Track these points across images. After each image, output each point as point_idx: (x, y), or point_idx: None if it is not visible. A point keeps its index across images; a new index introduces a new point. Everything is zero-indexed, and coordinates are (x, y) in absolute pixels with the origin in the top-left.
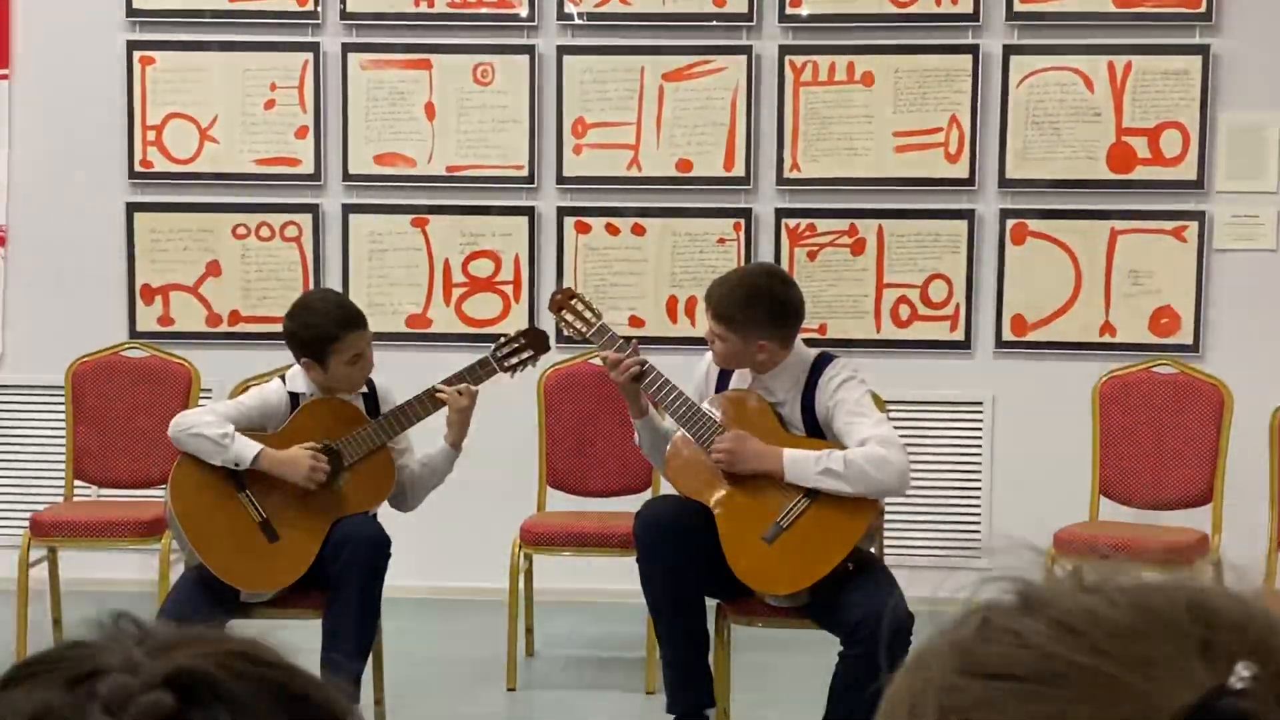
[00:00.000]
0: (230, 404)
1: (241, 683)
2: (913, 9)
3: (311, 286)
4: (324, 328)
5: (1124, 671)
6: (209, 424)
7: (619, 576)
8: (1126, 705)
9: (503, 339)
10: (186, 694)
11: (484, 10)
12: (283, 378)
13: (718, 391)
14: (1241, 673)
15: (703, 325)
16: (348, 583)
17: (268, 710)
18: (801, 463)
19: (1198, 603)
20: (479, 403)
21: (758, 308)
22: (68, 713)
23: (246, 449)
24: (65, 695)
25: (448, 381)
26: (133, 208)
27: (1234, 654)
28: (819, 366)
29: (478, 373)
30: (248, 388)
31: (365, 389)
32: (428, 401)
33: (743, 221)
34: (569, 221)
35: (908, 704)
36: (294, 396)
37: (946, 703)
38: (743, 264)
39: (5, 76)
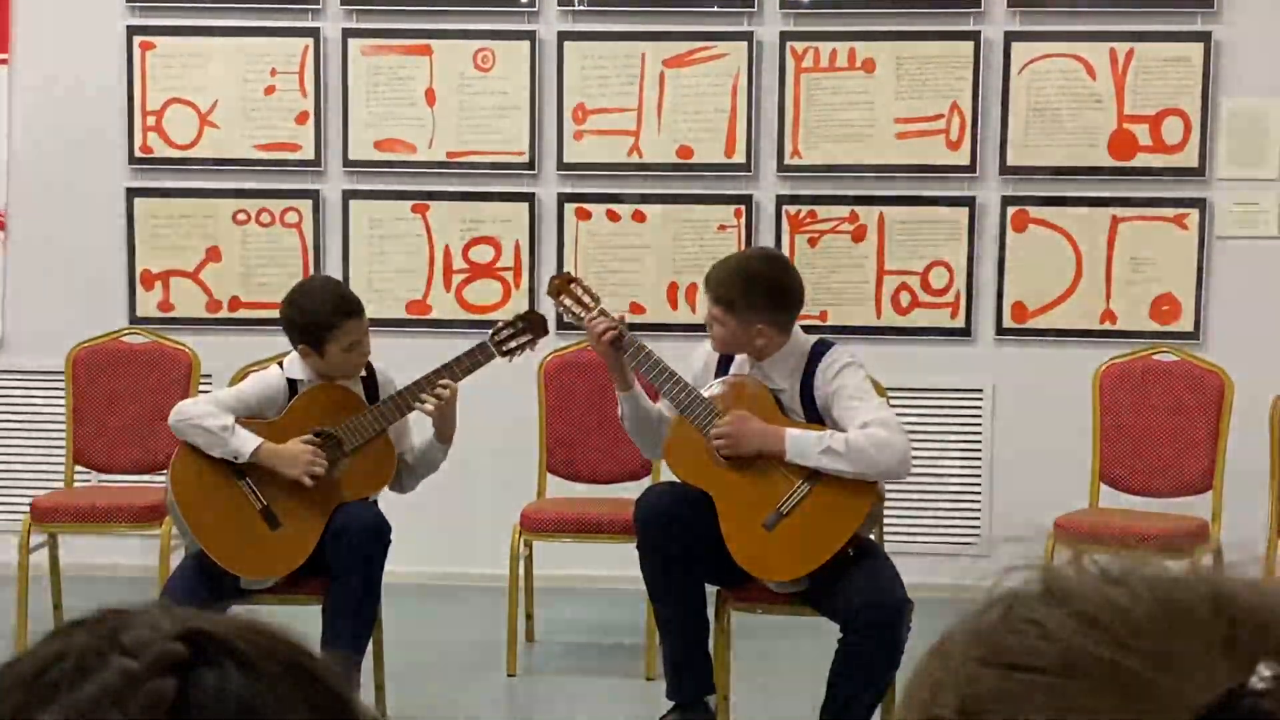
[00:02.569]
0: (230, 393)
1: (254, 649)
2: None
3: (312, 272)
4: (320, 315)
5: (1145, 667)
6: (209, 415)
7: (619, 563)
8: (1147, 701)
9: (500, 323)
10: (200, 649)
11: None
12: (280, 364)
13: (717, 378)
14: (1263, 672)
15: (703, 311)
16: (348, 569)
17: (277, 678)
18: (803, 442)
19: (1222, 597)
20: (481, 387)
21: (756, 291)
22: (90, 652)
23: (246, 442)
24: (90, 640)
25: (445, 366)
26: (133, 193)
27: (1257, 652)
28: (817, 353)
29: (476, 357)
30: (247, 374)
31: (365, 374)
32: (419, 392)
33: (743, 208)
34: (569, 208)
35: (929, 691)
36: (292, 383)
37: (967, 692)
38: (742, 249)
39: (5, 61)
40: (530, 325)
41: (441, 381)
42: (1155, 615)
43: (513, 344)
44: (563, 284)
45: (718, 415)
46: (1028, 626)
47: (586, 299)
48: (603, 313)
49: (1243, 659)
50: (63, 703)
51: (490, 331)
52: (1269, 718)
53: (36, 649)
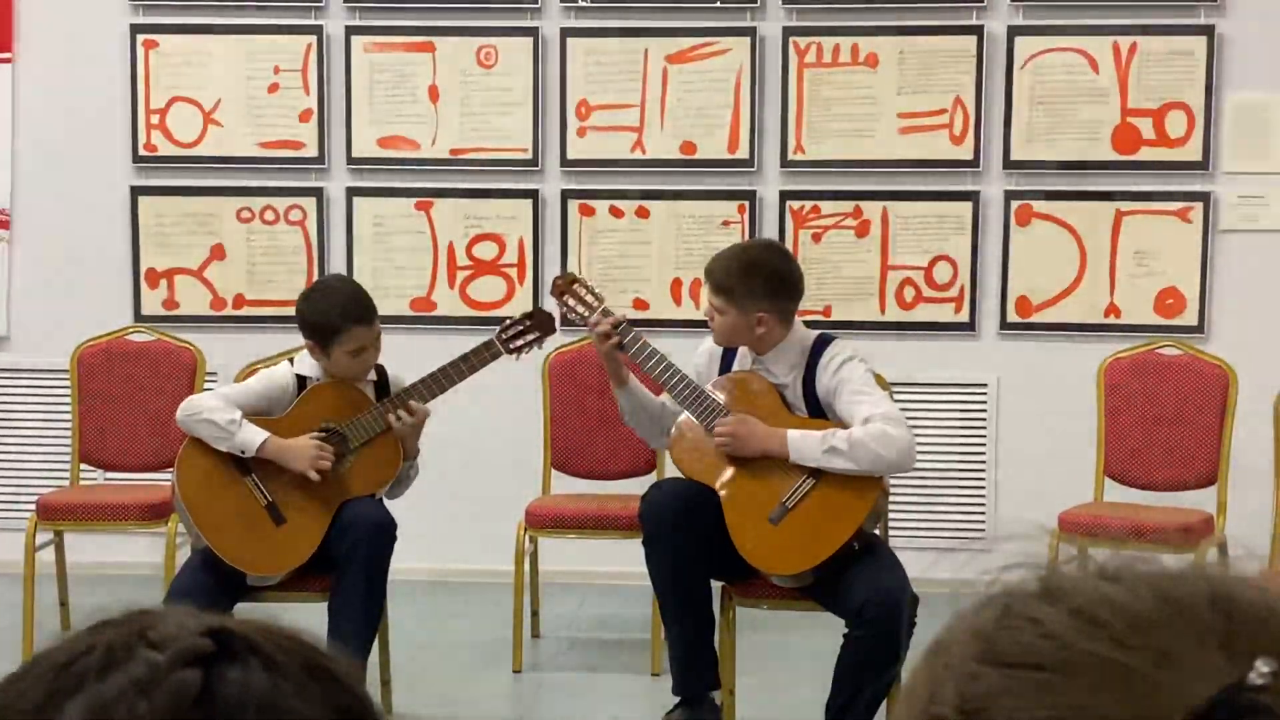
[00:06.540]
0: (238, 388)
1: (276, 648)
2: None
3: (315, 270)
4: (330, 316)
5: (1142, 664)
6: (217, 409)
7: (624, 558)
8: (1144, 698)
9: (508, 321)
10: (224, 645)
11: None
12: (291, 360)
13: (720, 375)
14: (1261, 669)
15: (706, 306)
16: (354, 566)
17: (298, 675)
18: (806, 443)
19: (1220, 594)
20: (486, 384)
21: (756, 279)
22: (118, 646)
23: (253, 436)
24: (118, 635)
25: (452, 363)
26: (137, 191)
27: (1255, 648)
28: (819, 347)
29: (483, 355)
30: (254, 371)
31: (375, 376)
32: (426, 390)
33: (747, 204)
34: (573, 204)
35: (927, 690)
36: (301, 379)
37: (965, 691)
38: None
39: (9, 60)
40: (538, 323)
41: (412, 404)
42: (1153, 612)
43: (519, 342)
44: (566, 284)
45: (722, 412)
46: (1026, 624)
47: (590, 299)
48: (605, 313)
49: (1240, 655)
50: (89, 692)
51: (498, 329)
52: (1267, 713)
53: (66, 643)
